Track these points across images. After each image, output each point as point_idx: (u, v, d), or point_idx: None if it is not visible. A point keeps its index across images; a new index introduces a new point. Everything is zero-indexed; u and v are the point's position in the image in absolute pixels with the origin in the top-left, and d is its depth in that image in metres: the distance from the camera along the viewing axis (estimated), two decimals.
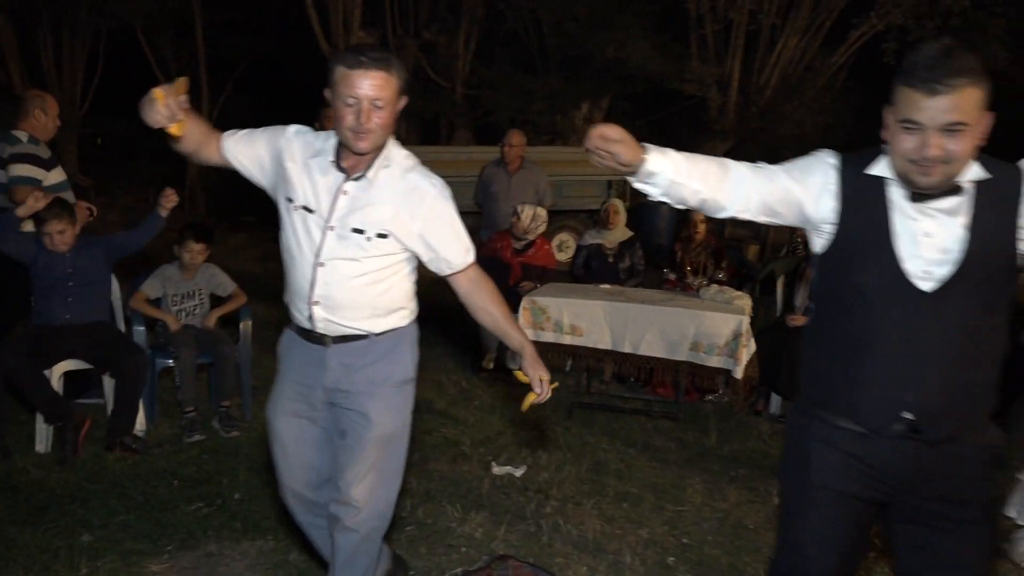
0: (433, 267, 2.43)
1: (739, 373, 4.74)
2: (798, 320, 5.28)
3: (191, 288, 4.66)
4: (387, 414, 2.44)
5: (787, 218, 1.96)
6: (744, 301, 5.18)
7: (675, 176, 1.88)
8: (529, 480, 4.04)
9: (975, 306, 1.83)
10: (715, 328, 4.79)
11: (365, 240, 2.31)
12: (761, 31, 12.70)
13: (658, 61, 11.86)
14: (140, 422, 4.36)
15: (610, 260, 6.11)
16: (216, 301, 4.81)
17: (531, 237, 5.87)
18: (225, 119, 16.92)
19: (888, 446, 1.89)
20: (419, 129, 15.03)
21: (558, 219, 10.06)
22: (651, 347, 4.91)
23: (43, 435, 4.13)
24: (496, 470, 4.12)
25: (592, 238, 6.21)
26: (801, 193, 1.93)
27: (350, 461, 2.41)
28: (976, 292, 1.83)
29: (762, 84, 12.87)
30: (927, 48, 1.74)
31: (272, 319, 6.90)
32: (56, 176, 4.63)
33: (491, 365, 5.90)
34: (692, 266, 6.07)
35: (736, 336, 4.76)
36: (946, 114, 1.72)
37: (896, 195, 1.87)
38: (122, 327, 4.60)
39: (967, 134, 1.74)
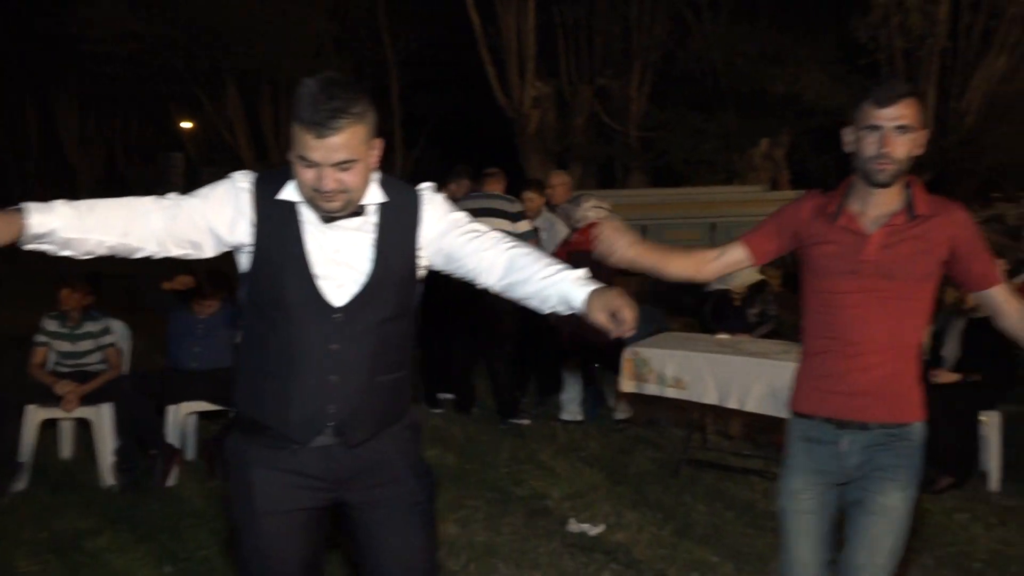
0: None
1: None
2: (942, 377, 4.72)
3: None
4: None
5: (209, 247, 1.98)
6: None
7: (67, 233, 1.80)
8: (602, 541, 3.87)
9: (384, 316, 1.99)
10: None
11: None
12: (958, 53, 11.61)
13: (835, 93, 11.15)
14: None
15: (737, 305, 5.78)
16: None
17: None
18: (419, 170, 18.04)
19: (319, 455, 2.00)
20: (595, 173, 15.14)
21: None
22: (759, 403, 4.55)
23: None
24: (572, 527, 4.00)
25: (717, 283, 5.90)
26: (215, 220, 1.95)
27: None
28: (384, 304, 1.99)
29: (962, 110, 11.70)
30: (309, 86, 1.79)
31: None
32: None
33: (624, 415, 5.70)
34: None
35: None
36: (336, 153, 1.82)
37: (308, 214, 1.96)
38: None
39: (359, 166, 1.87)
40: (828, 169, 14.29)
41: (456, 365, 6.01)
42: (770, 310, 5.79)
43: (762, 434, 4.97)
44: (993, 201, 12.84)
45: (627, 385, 5.01)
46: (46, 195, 1.99)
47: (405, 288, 2.03)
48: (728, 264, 2.43)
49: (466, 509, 4.19)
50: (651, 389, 4.89)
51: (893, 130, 2.13)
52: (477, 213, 5.52)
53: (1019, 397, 6.09)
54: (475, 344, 5.93)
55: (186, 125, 19.86)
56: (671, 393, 4.82)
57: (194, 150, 19.85)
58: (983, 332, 4.69)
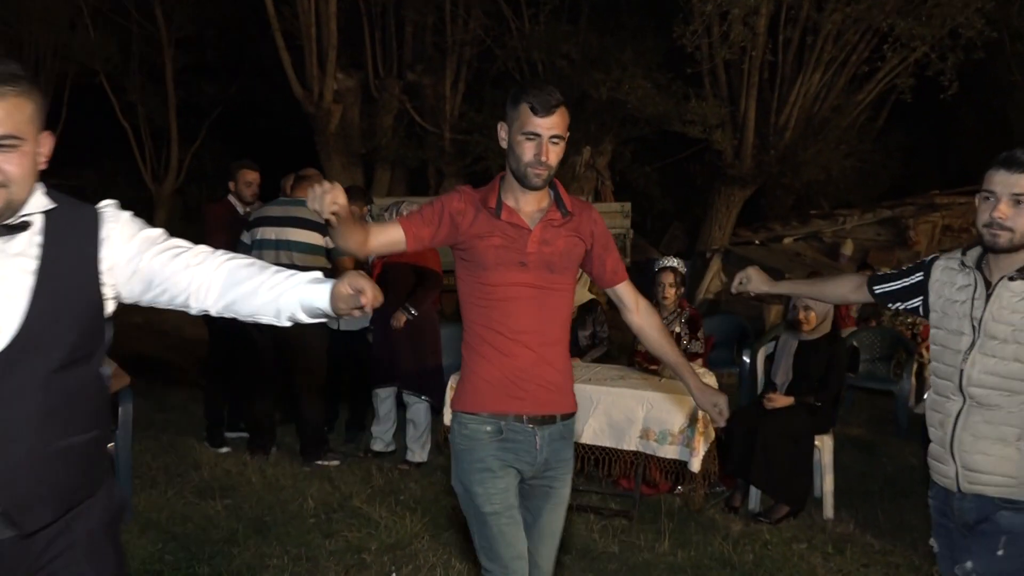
0: None
1: (695, 466, 4.48)
2: (777, 401, 5.02)
3: None
4: None
5: None
6: (707, 379, 4.92)
7: None
8: None
9: (57, 364, 1.72)
10: (667, 413, 4.55)
11: None
12: (778, 68, 12.63)
13: (658, 102, 11.78)
14: None
15: None
16: None
17: None
18: (199, 167, 17.15)
19: None
20: (405, 178, 15.06)
21: None
22: (596, 435, 4.68)
23: None
24: None
25: None
26: None
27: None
28: (55, 348, 1.72)
29: (781, 125, 12.74)
30: None
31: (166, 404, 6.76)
32: None
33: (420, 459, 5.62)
34: None
35: (692, 422, 4.51)
36: None
37: None
38: None
39: (23, 151, 1.67)
40: (650, 180, 15.08)
41: (250, 397, 5.70)
42: (601, 331, 5.95)
43: (597, 468, 5.07)
44: (811, 218, 14.07)
45: (451, 416, 4.96)
46: None
47: (85, 327, 1.78)
48: (386, 243, 2.55)
49: (269, 570, 3.95)
50: None
51: (549, 140, 2.46)
52: (280, 222, 5.35)
53: (840, 419, 6.68)
54: (275, 372, 5.66)
55: None
56: None
57: None
58: (814, 353, 5.07)
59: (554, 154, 2.48)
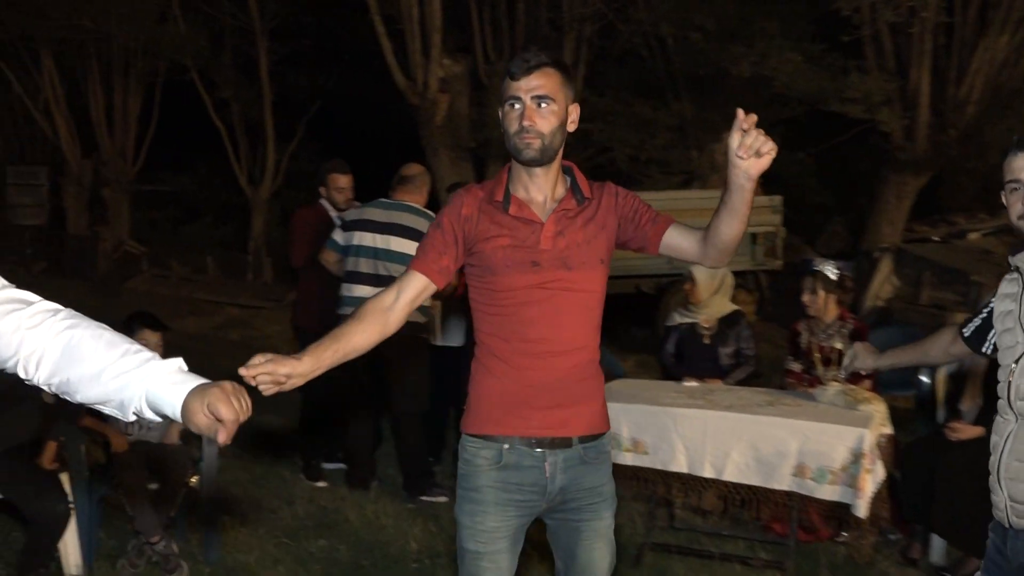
0: None
1: (862, 510, 4.25)
2: (963, 431, 4.73)
3: None
4: None
5: None
6: (875, 406, 4.69)
7: None
8: None
9: None
10: (826, 446, 4.34)
11: None
12: (956, 30, 12.08)
13: (811, 77, 11.46)
14: (75, 564, 4.37)
15: (706, 343, 5.74)
16: None
17: None
18: (297, 168, 17.70)
19: None
20: None
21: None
22: (741, 472, 4.50)
23: None
24: None
25: (683, 316, 5.87)
26: None
27: None
28: None
29: (961, 99, 12.18)
30: None
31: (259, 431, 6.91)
32: None
33: None
34: (822, 353, 5.59)
35: (856, 458, 4.29)
36: None
37: None
38: None
39: None
40: (805, 168, 14.68)
41: (348, 425, 5.78)
42: (747, 348, 5.77)
43: (745, 509, 4.92)
44: (1001, 209, 13.34)
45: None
46: None
47: None
48: (412, 301, 2.51)
49: None
50: None
51: (532, 101, 2.43)
52: (383, 228, 5.39)
53: None
54: (374, 397, 5.72)
55: None
56: (628, 459, 4.74)
57: None
58: None
59: (541, 117, 2.43)
